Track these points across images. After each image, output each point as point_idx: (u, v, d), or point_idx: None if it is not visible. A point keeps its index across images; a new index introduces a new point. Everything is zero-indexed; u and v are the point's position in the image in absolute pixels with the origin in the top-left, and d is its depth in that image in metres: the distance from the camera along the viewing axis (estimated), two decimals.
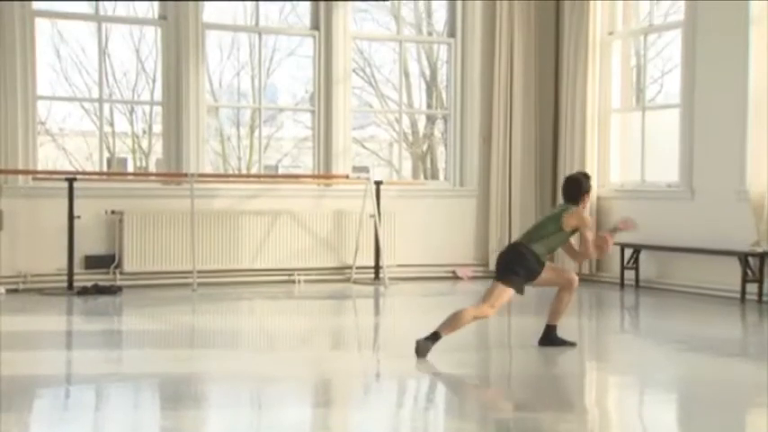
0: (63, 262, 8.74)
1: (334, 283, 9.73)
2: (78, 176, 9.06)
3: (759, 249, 8.29)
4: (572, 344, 5.99)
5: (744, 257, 8.32)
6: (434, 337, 5.46)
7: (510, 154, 10.45)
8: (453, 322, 5.51)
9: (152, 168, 12.55)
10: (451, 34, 10.78)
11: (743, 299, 8.32)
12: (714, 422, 4.40)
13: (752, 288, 8.33)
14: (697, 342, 6.58)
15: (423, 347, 5.42)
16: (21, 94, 8.88)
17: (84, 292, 8.55)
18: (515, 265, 5.62)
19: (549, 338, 5.94)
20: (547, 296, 8.68)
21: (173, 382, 5.13)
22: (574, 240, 5.92)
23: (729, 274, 8.49)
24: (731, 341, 6.81)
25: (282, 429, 4.23)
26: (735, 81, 8.58)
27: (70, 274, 8.69)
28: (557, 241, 5.75)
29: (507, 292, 5.60)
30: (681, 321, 7.59)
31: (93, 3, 9.51)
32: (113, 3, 9.84)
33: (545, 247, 5.71)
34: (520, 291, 5.66)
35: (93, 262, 9.10)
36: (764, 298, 8.27)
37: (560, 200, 6.06)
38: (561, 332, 6.01)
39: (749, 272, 8.34)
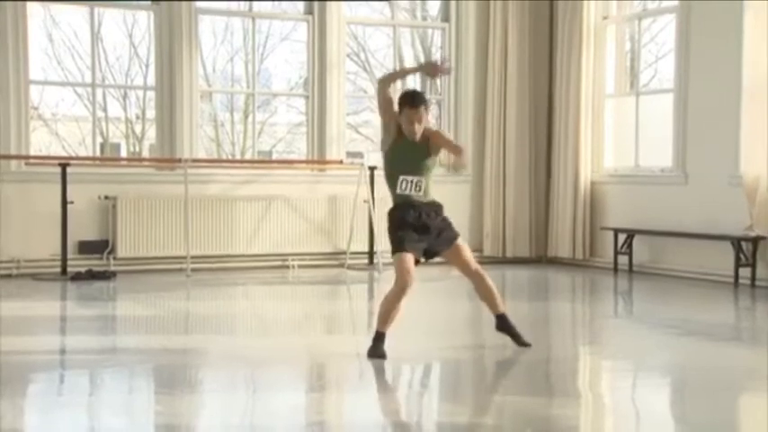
0: (57, 247, 8.73)
1: (328, 268, 9.74)
2: (71, 162, 9.04)
3: (752, 234, 8.31)
4: (525, 344, 5.47)
5: (737, 242, 8.34)
6: (378, 338, 5.19)
7: (504, 139, 10.45)
8: (383, 314, 5.21)
9: (145, 153, 12.54)
10: (445, 19, 10.75)
11: (736, 283, 8.35)
12: (707, 406, 4.42)
13: (745, 272, 8.36)
14: (690, 327, 6.61)
15: (376, 353, 5.16)
16: (13, 78, 8.85)
17: (77, 277, 8.54)
18: (388, 229, 5.28)
19: (502, 325, 5.51)
20: (543, 280, 8.62)
21: (167, 366, 5.14)
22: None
23: (722, 259, 8.52)
24: (724, 326, 6.84)
25: (277, 414, 4.24)
26: (729, 66, 8.58)
27: (64, 259, 8.68)
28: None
29: (399, 260, 5.14)
30: (674, 306, 7.61)
31: None
32: None
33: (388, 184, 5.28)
34: (408, 250, 5.13)
35: (87, 247, 9.09)
36: (757, 282, 8.29)
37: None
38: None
39: (742, 256, 8.36)
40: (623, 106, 10.27)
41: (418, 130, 5.17)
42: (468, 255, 5.43)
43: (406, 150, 5.22)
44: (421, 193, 5.22)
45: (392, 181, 5.25)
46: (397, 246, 5.19)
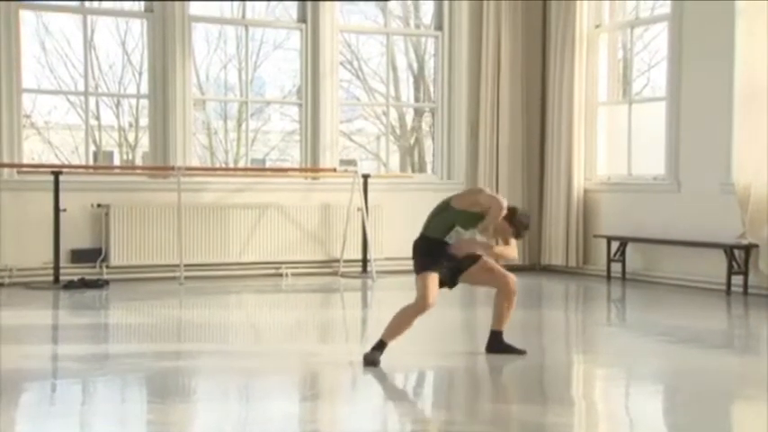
0: (49, 256, 8.71)
1: (321, 276, 9.73)
2: (64, 170, 9.03)
3: (744, 242, 8.33)
4: (521, 352, 5.54)
5: (729, 250, 8.36)
6: (380, 345, 5.24)
7: (497, 147, 10.46)
8: (394, 326, 5.27)
9: (138, 162, 12.51)
10: (439, 27, 10.77)
11: (728, 291, 8.36)
12: (699, 413, 4.42)
13: (737, 280, 8.37)
14: (683, 334, 6.62)
15: (370, 358, 5.20)
16: (5, 86, 8.84)
17: (70, 285, 8.52)
18: (420, 254, 5.32)
19: (496, 345, 5.57)
20: (536, 288, 8.68)
21: (160, 375, 5.12)
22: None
23: (715, 267, 8.53)
24: (717, 333, 6.85)
25: (270, 423, 4.23)
26: (721, 74, 8.61)
27: (56, 267, 8.66)
28: (451, 218, 5.37)
29: (425, 278, 5.21)
30: (667, 313, 7.63)
31: None
32: None
33: (440, 225, 5.37)
34: (437, 271, 5.26)
35: (80, 256, 9.06)
36: (749, 290, 8.31)
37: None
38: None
39: (734, 264, 8.38)
40: (616, 114, 10.29)
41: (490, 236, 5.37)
42: (498, 265, 5.50)
43: (469, 218, 5.32)
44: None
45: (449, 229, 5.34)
46: (425, 267, 5.24)
